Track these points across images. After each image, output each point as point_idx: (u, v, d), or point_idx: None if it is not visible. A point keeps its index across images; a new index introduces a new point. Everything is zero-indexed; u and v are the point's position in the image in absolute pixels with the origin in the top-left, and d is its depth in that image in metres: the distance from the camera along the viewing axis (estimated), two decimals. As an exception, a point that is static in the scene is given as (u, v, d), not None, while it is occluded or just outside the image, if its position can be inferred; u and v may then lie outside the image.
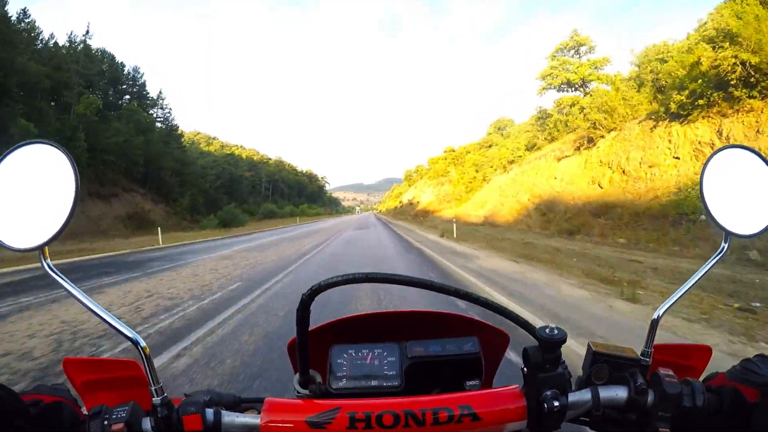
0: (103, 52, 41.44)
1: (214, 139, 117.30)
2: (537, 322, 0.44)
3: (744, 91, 13.00)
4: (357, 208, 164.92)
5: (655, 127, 17.31)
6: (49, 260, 0.44)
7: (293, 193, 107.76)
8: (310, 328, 0.51)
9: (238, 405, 0.51)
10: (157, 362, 3.04)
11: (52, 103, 28.57)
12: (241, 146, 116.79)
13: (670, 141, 15.96)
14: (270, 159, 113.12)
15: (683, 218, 12.32)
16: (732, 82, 13.09)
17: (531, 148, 33.80)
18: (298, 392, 0.55)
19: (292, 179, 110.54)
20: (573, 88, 27.20)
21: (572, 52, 28.27)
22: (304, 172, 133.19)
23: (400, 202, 74.79)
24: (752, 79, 12.83)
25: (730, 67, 12.90)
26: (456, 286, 0.48)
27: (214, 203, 53.12)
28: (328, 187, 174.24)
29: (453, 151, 78.28)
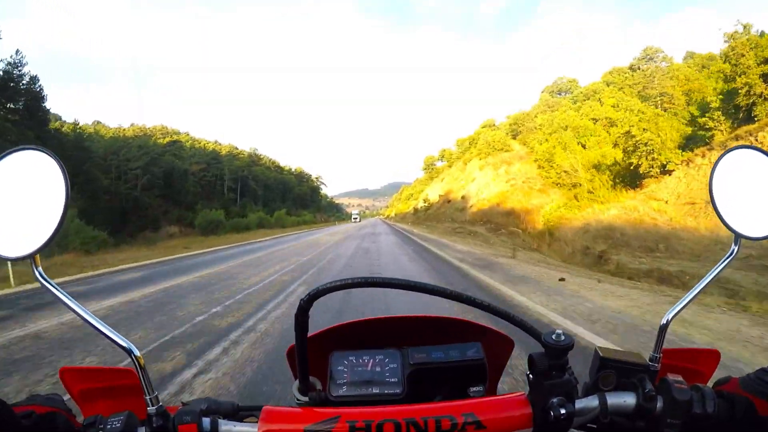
0: None
1: (182, 133, 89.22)
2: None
3: None
4: (355, 212, 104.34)
5: None
6: (40, 268, 0.43)
7: (274, 196, 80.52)
8: (309, 334, 0.50)
9: (236, 413, 0.50)
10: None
11: None
12: (216, 142, 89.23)
13: None
14: (241, 151, 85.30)
15: None
16: None
17: None
18: (297, 399, 0.54)
19: (271, 178, 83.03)
20: None
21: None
22: (293, 170, 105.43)
23: (426, 200, 46.52)
24: None
25: None
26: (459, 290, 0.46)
27: (137, 209, 38.88)
28: (328, 192, 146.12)
29: (493, 125, 50.43)
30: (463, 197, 34.67)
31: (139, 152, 55.77)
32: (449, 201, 37.65)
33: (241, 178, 70.98)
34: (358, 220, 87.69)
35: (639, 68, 45.10)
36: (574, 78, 49.82)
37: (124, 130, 78.02)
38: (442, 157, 63.58)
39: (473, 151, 46.12)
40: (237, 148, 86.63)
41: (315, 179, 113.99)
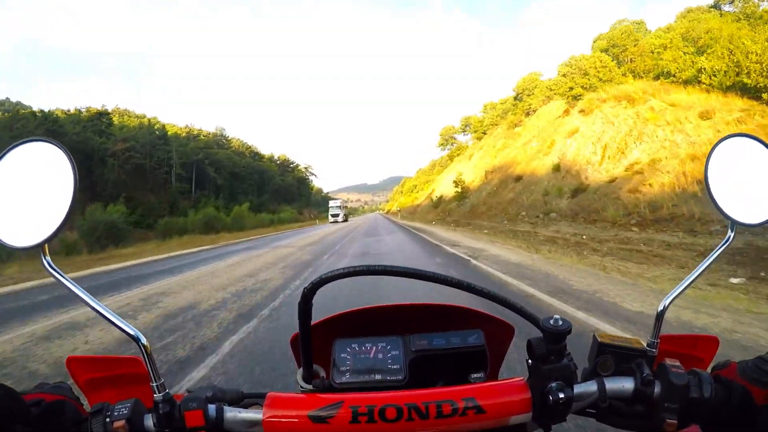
0: None
1: (150, 118, 70.79)
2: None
3: None
4: (334, 204, 60.02)
5: None
6: (49, 258, 0.44)
7: (247, 187, 63.17)
8: (313, 322, 0.51)
9: (241, 400, 0.50)
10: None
11: None
12: (188, 126, 71.02)
13: None
14: (201, 131, 67.33)
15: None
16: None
17: None
18: (301, 387, 0.54)
19: (242, 165, 65.08)
20: None
21: None
22: (276, 158, 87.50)
23: (459, 183, 28.51)
24: None
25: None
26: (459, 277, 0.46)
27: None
28: (325, 187, 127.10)
29: (540, 78, 32.95)
30: (557, 167, 17.11)
31: (34, 123, 38.19)
32: (519, 178, 20.08)
33: (196, 163, 53.43)
34: (340, 218, 49.54)
35: (721, 8, 29.26)
36: (640, 19, 33.00)
37: (67, 111, 59.87)
38: (466, 127, 45.94)
39: (533, 99, 28.54)
40: (198, 129, 68.51)
41: (303, 169, 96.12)
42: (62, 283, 0.44)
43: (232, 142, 71.85)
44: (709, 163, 0.54)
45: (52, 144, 0.45)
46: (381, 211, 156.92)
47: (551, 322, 0.44)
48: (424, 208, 44.19)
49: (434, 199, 39.12)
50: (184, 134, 62.25)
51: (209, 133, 67.74)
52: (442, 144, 49.57)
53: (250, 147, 79.42)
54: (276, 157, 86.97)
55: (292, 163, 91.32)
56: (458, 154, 46.01)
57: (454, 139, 48.05)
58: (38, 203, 0.44)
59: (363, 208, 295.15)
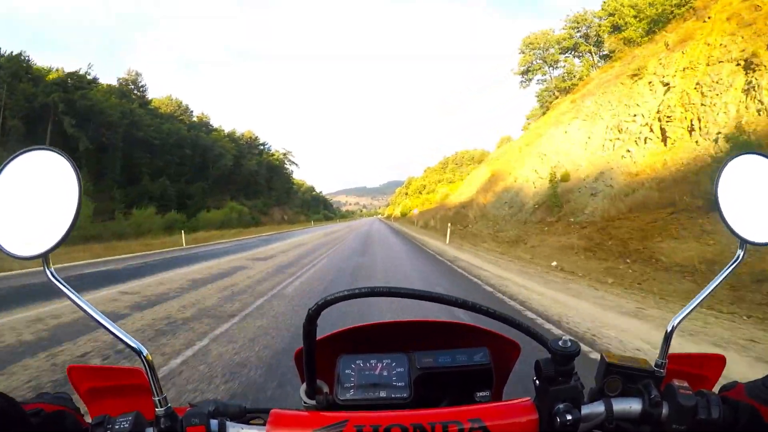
0: None
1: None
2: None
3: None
4: None
5: None
6: (52, 268, 0.43)
7: (168, 168, 38.30)
8: (317, 338, 0.51)
9: (244, 415, 0.50)
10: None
11: None
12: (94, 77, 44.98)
13: None
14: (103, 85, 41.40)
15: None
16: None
17: None
18: (305, 402, 0.54)
19: (155, 129, 39.41)
20: None
21: None
22: (239, 135, 62.14)
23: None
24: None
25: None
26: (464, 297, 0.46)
27: None
28: (324, 189, 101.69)
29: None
30: None
31: None
32: None
33: (38, 110, 28.43)
34: None
35: None
36: None
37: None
38: (579, 37, 20.65)
39: None
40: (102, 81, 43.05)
41: (282, 155, 70.69)
42: (65, 293, 0.43)
43: (155, 103, 46.33)
44: (719, 181, 0.53)
45: (55, 153, 0.44)
46: (380, 216, 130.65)
47: (560, 343, 0.43)
48: (491, 209, 18.69)
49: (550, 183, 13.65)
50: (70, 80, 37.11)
51: (105, 84, 42.30)
52: (527, 71, 24.31)
53: (199, 118, 54.19)
54: (239, 135, 61.48)
55: (262, 144, 65.84)
56: (571, 89, 20.65)
57: (557, 57, 22.57)
58: (42, 213, 0.43)
59: (361, 211, 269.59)
